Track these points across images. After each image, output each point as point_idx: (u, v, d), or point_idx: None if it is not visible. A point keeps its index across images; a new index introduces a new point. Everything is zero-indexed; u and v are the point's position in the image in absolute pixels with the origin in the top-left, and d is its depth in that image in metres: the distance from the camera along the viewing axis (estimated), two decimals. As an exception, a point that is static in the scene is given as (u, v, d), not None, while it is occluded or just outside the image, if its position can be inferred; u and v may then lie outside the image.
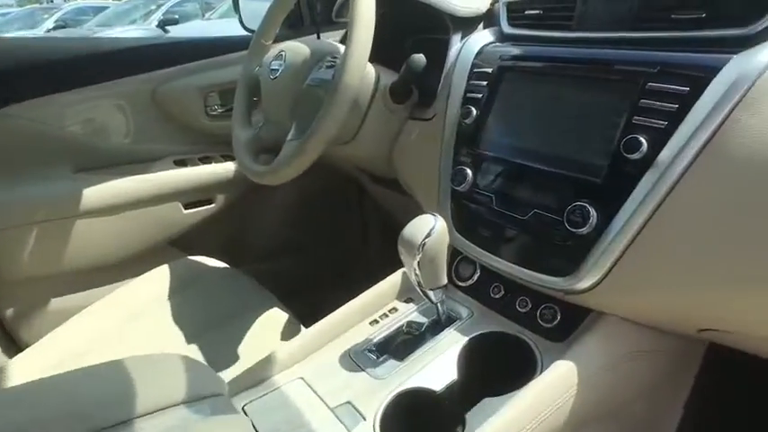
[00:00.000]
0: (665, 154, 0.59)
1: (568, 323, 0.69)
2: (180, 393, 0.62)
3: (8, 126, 1.18)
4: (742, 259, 0.55)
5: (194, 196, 1.35)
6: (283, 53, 0.98)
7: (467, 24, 0.93)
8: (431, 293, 0.72)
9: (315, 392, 0.70)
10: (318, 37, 1.28)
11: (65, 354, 0.90)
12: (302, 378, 0.72)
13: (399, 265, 0.74)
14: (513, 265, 0.72)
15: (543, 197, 0.70)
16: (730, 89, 0.56)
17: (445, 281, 0.72)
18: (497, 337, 0.72)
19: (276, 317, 1.00)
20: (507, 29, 0.85)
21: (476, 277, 0.80)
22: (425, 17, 0.96)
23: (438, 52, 0.94)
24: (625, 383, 0.68)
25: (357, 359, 0.74)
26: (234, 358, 0.90)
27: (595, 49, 0.71)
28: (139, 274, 1.10)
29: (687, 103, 0.59)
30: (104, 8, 9.27)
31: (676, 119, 0.59)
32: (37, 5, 12.39)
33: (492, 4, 0.93)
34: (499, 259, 0.74)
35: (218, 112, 1.37)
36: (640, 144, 0.60)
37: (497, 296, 0.77)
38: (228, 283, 1.11)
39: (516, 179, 0.74)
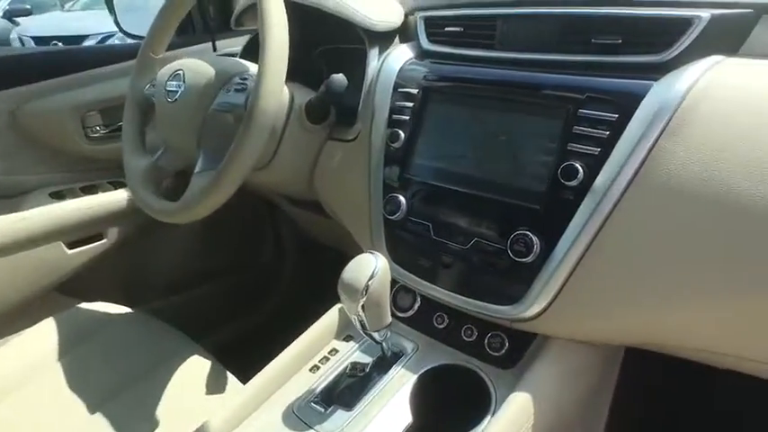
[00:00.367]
0: (600, 181, 0.60)
1: (517, 350, 0.69)
2: None
3: None
4: (673, 282, 0.58)
5: (79, 233, 1.17)
6: (181, 72, 0.87)
7: (383, 38, 0.88)
8: (375, 334, 0.68)
9: None
10: (215, 47, 1.17)
11: None
12: None
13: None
14: (457, 295, 0.71)
15: (483, 225, 0.68)
16: (654, 118, 0.58)
17: (390, 320, 0.68)
18: (447, 371, 0.70)
19: (196, 363, 0.90)
20: (427, 45, 0.82)
21: (416, 307, 0.78)
22: (334, 27, 0.90)
23: (352, 65, 0.88)
24: (570, 400, 0.70)
25: (302, 415, 0.68)
26: (153, 426, 0.79)
27: (520, 71, 0.70)
28: (22, 330, 0.94)
29: (617, 129, 0.60)
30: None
31: (608, 145, 0.60)
32: None
33: (406, 16, 0.90)
34: (441, 289, 0.72)
35: (101, 134, 1.20)
36: (577, 171, 0.61)
37: (441, 326, 0.75)
38: (134, 330, 0.98)
39: (453, 206, 0.72)
